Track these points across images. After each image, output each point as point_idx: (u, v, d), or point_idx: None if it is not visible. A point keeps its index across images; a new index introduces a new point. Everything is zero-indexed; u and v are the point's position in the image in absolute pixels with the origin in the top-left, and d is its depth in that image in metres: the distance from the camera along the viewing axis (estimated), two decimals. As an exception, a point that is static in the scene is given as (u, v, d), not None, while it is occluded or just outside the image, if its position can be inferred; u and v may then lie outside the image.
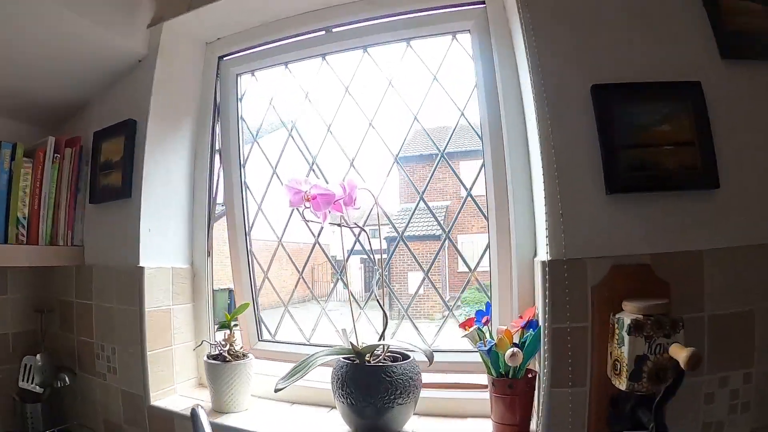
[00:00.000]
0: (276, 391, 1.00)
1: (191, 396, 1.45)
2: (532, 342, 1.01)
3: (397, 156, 1.46)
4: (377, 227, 1.25)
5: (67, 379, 1.53)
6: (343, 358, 1.07)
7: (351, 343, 1.06)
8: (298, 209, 1.15)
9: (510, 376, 1.02)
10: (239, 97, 1.64)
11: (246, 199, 1.63)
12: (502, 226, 1.25)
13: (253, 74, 1.63)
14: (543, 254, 1.00)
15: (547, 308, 0.95)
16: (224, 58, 1.63)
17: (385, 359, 1.07)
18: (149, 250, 1.43)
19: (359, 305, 1.43)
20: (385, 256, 1.32)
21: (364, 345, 1.08)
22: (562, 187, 0.97)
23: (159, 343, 1.42)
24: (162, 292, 1.45)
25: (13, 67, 1.43)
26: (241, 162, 1.63)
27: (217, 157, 1.65)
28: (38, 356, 1.51)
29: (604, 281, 0.93)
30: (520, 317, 1.10)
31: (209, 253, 1.61)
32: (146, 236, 1.43)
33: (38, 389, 1.49)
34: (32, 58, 1.42)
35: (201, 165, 1.62)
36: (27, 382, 1.51)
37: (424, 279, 1.46)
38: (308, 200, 1.10)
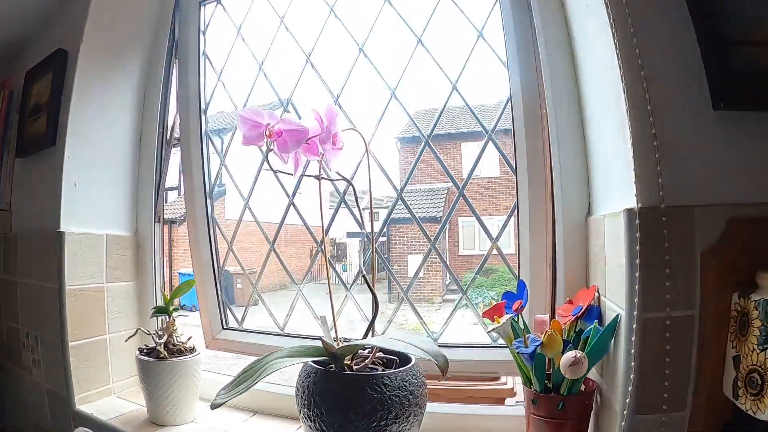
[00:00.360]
0: (213, 407, 0.66)
1: (130, 399, 1.13)
2: (596, 341, 0.66)
3: (394, 91, 1.09)
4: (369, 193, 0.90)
5: None
6: (313, 362, 0.71)
7: (321, 339, 0.71)
8: (264, 155, 0.79)
9: (562, 392, 0.68)
10: (202, 29, 1.30)
11: (206, 152, 1.28)
12: (535, 179, 0.90)
13: (219, 2, 1.29)
14: (621, 202, 0.64)
15: (632, 286, 0.59)
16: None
17: (373, 364, 0.72)
18: (75, 212, 1.11)
19: (345, 286, 1.10)
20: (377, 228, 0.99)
21: (343, 342, 0.74)
22: (653, 101, 0.62)
23: (87, 331, 1.10)
24: (92, 265, 1.12)
25: None
26: (202, 106, 1.28)
27: (173, 101, 1.31)
28: None
29: (720, 242, 0.58)
30: (569, 302, 0.76)
31: (159, 219, 1.27)
32: (71, 193, 1.10)
33: None
34: None
35: (150, 110, 1.28)
36: None
37: (429, 252, 1.10)
38: (271, 137, 0.75)
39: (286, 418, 1.00)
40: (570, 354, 0.63)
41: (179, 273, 1.23)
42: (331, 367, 0.70)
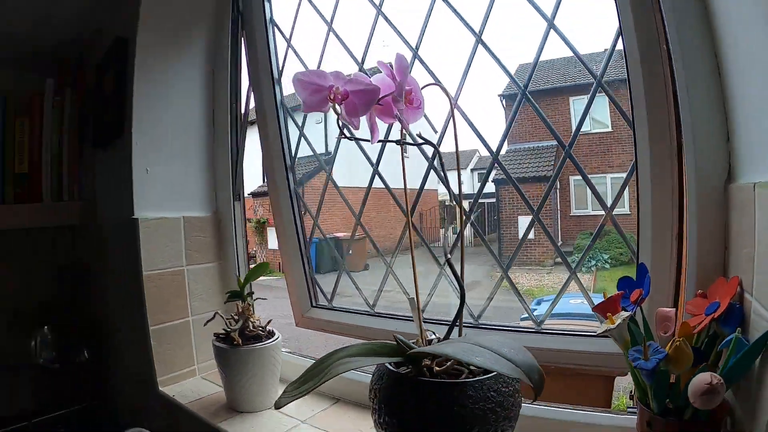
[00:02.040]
0: (276, 407, 0.60)
1: (214, 381, 1.12)
2: (739, 358, 0.49)
3: (480, 36, 0.95)
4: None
5: (86, 353, 1.29)
6: (389, 363, 0.62)
7: (396, 338, 0.62)
8: (338, 123, 0.69)
9: (685, 417, 0.52)
10: None
11: (285, 122, 1.23)
12: (657, 133, 0.72)
13: None
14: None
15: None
16: None
17: (457, 368, 0.61)
18: (149, 197, 1.11)
19: (438, 263, 0.99)
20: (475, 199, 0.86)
21: (419, 343, 0.64)
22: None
23: (169, 314, 1.11)
24: (170, 249, 1.12)
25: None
26: (275, 76, 1.22)
27: (244, 74, 1.27)
28: (46, 329, 1.28)
29: None
30: (701, 295, 0.59)
31: (238, 197, 1.25)
32: (143, 179, 1.10)
33: (53, 365, 1.26)
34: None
35: (220, 87, 1.25)
36: (40, 357, 1.27)
37: (533, 221, 0.96)
38: (336, 100, 0.65)
39: (367, 408, 0.93)
40: (703, 378, 0.47)
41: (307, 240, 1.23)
42: (407, 371, 0.61)
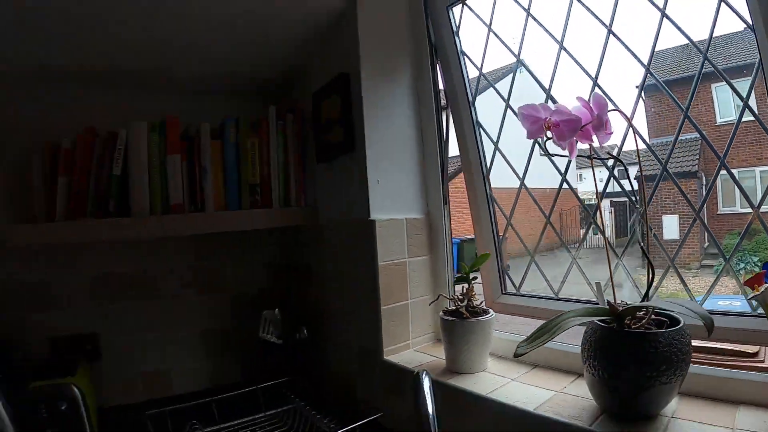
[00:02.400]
0: (516, 356, 1.01)
1: (426, 352, 1.58)
2: None
3: (649, 63, 1.29)
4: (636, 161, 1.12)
5: (305, 331, 1.82)
6: (598, 320, 1.01)
7: (608, 302, 1.01)
8: (538, 142, 1.11)
9: None
10: (455, 30, 1.66)
11: (480, 139, 1.66)
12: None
13: (464, 3, 1.63)
14: None
15: None
16: None
17: (649, 324, 0.99)
18: (379, 203, 1.58)
19: (616, 254, 1.34)
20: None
21: (623, 305, 1.02)
22: None
23: (394, 297, 1.57)
24: (396, 244, 1.59)
25: (215, 48, 1.72)
26: (470, 99, 1.66)
27: (442, 98, 1.73)
28: (276, 311, 1.82)
29: None
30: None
31: (445, 201, 1.70)
32: (375, 188, 1.57)
33: (277, 341, 1.81)
34: (228, 35, 1.66)
35: (426, 108, 1.71)
36: (266, 334, 1.84)
37: (695, 220, 1.29)
38: (549, 128, 1.05)
39: (561, 371, 1.32)
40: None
41: (452, 240, 1.62)
42: (613, 326, 0.99)
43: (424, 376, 1.07)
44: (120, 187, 1.59)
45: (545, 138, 1.07)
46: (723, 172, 1.26)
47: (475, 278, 1.46)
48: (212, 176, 1.70)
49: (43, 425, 1.47)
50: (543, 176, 1.62)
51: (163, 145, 1.63)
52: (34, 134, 1.67)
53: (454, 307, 1.42)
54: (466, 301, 1.40)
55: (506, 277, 1.64)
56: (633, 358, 0.94)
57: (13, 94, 1.72)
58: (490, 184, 1.65)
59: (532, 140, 1.25)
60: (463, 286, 1.43)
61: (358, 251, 1.62)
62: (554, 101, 1.47)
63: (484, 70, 1.66)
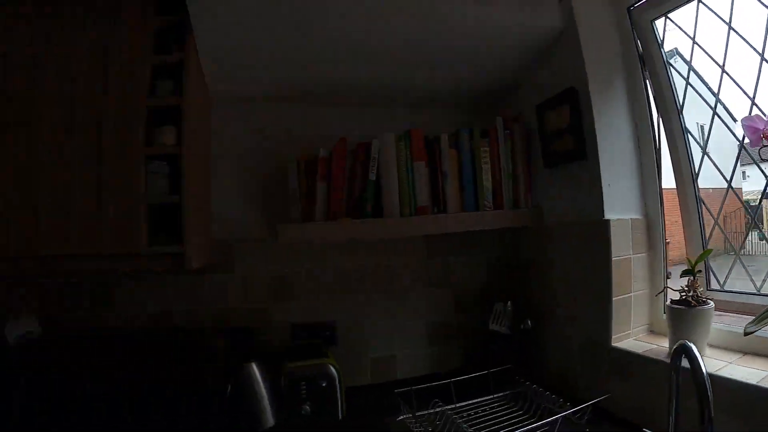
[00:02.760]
0: (746, 334, 1.33)
1: (644, 341, 1.91)
2: None
3: None
4: None
5: (529, 323, 2.20)
6: None
7: None
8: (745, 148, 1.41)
9: None
10: (659, 42, 1.97)
11: (689, 144, 1.97)
12: None
13: (666, 16, 1.94)
14: None
15: None
16: (632, 8, 2.01)
17: None
18: (610, 204, 1.93)
19: None
20: None
21: None
22: None
23: (621, 290, 1.91)
24: (623, 242, 1.93)
25: (446, 68, 2.21)
26: (678, 107, 1.98)
27: (653, 107, 2.05)
28: (508, 303, 2.22)
29: None
30: None
31: (661, 203, 2.03)
32: (606, 191, 1.92)
33: (506, 331, 2.21)
34: (458, 54, 2.11)
35: (641, 117, 2.05)
36: (497, 324, 2.25)
37: None
38: (766, 137, 1.35)
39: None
40: None
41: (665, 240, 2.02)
42: None
43: (689, 344, 1.36)
44: (375, 191, 2.05)
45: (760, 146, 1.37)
46: None
47: (699, 271, 1.78)
48: (451, 181, 2.13)
49: (301, 402, 1.90)
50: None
51: (409, 153, 2.07)
52: (289, 146, 2.25)
53: (680, 297, 1.75)
54: (692, 292, 1.73)
55: (711, 273, 1.93)
56: None
57: (280, 112, 2.35)
58: (698, 187, 1.96)
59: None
60: (688, 278, 1.75)
61: (590, 248, 1.99)
62: (760, 109, 1.70)
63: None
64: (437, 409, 1.86)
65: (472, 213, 2.16)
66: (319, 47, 1.94)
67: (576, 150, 2.01)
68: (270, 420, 1.87)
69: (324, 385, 1.93)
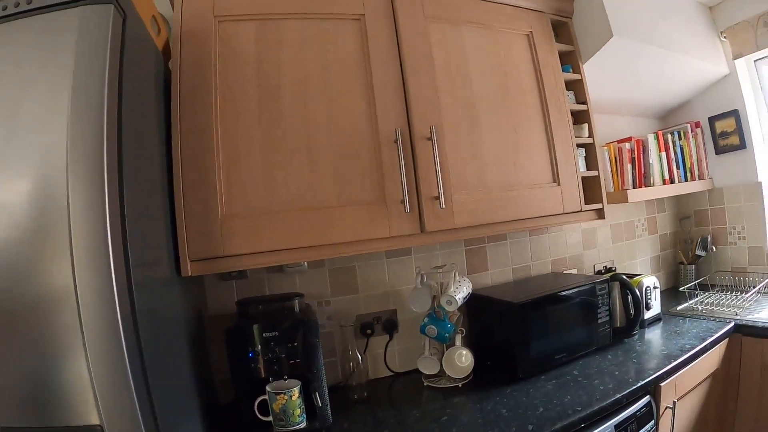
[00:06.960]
0: None
1: None
2: None
3: None
4: None
5: (714, 249, 3.52)
6: None
7: None
8: None
9: None
10: None
11: None
12: None
13: None
14: None
15: None
16: (756, 60, 3.19)
17: None
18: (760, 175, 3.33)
19: None
20: None
21: None
22: None
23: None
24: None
25: (657, 93, 3.39)
26: None
27: None
28: (709, 237, 3.60)
29: None
30: None
31: None
32: (759, 168, 3.37)
33: (703, 254, 3.52)
34: (663, 87, 3.27)
35: None
36: (699, 250, 3.57)
37: None
38: None
39: None
40: None
41: None
42: None
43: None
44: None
45: None
46: None
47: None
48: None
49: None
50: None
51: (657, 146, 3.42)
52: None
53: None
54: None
55: None
56: None
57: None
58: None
59: None
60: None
61: (751, 199, 3.25)
62: None
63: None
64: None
65: (683, 183, 3.34)
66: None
67: (739, 145, 3.45)
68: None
69: None
